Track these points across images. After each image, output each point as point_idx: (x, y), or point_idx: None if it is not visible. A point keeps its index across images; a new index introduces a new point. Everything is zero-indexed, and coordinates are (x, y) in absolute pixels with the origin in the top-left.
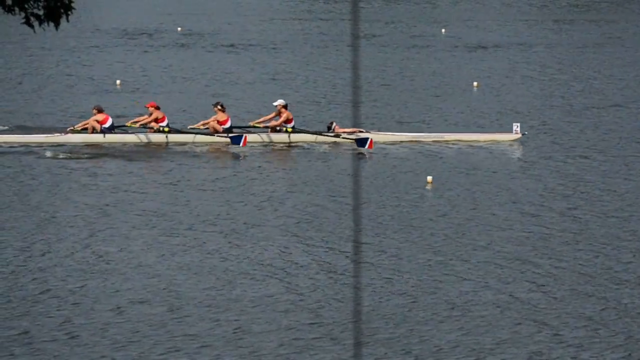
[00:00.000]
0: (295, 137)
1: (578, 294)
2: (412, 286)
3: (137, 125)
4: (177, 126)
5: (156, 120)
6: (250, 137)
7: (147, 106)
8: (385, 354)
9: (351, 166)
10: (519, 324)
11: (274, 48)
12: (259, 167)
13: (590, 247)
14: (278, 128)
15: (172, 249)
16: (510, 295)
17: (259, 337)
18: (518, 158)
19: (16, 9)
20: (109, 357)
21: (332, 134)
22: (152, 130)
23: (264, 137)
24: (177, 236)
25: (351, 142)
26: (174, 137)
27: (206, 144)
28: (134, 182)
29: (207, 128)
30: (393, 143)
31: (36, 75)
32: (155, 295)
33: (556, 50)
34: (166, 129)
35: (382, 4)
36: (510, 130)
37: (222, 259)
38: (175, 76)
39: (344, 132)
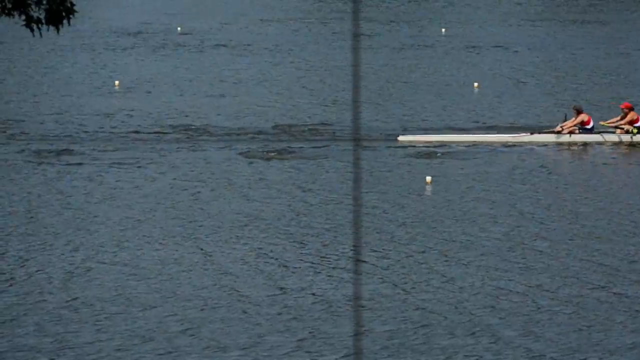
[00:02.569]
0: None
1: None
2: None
3: (611, 125)
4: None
5: (631, 122)
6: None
7: (622, 107)
8: (386, 355)
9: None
10: (521, 323)
11: (274, 48)
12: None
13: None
14: (625, 129)
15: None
16: (512, 297)
17: (264, 336)
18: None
19: (15, 13)
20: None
21: None
22: (623, 131)
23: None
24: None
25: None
26: None
27: None
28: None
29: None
30: None
31: (34, 75)
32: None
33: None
34: (634, 130)
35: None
36: None
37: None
38: (175, 76)
39: None
